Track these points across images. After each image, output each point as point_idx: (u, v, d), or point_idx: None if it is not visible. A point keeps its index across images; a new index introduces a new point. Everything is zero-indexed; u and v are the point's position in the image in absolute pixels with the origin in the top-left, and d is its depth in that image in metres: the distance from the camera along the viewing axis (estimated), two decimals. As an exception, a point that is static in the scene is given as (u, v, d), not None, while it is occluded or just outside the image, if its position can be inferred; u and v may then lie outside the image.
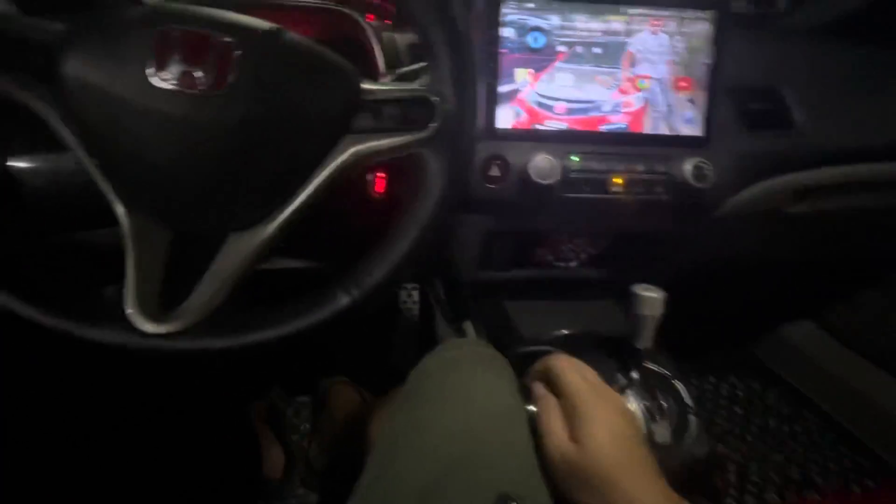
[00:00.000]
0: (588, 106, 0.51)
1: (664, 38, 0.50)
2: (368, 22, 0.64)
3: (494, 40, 0.49)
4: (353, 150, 0.34)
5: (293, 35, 0.34)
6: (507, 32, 0.49)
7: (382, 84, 0.35)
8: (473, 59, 0.33)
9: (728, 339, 1.16)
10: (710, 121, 0.53)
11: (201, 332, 0.31)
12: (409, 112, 0.34)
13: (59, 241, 0.48)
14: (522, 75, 0.50)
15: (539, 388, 0.40)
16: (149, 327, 0.30)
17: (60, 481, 0.62)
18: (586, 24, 0.50)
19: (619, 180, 0.53)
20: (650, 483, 0.31)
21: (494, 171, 0.50)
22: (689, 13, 0.50)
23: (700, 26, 0.51)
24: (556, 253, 0.69)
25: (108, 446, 0.71)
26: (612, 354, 0.57)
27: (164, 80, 0.29)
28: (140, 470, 0.72)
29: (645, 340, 0.51)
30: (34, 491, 0.59)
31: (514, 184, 0.51)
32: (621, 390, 0.52)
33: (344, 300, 0.32)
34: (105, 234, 0.50)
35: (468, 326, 0.72)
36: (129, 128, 0.31)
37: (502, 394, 0.41)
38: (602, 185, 0.52)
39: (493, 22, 0.48)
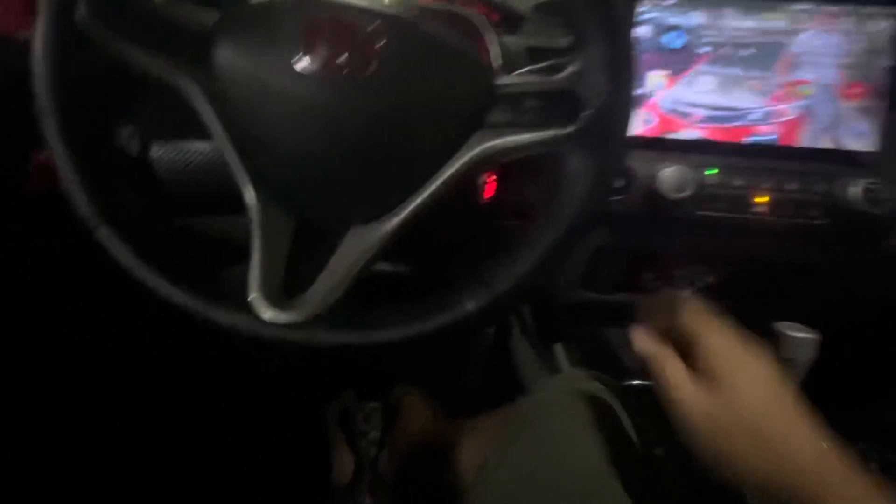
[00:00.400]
0: (732, 114, 0.45)
1: (835, 37, 0.43)
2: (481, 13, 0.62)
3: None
4: (485, 145, 0.31)
5: (434, 24, 0.32)
6: (641, 32, 0.45)
7: (522, 76, 0.33)
8: (634, 46, 0.29)
9: (872, 397, 0.99)
10: (889, 134, 0.44)
11: (321, 325, 0.29)
12: (551, 106, 0.31)
13: (185, 226, 0.51)
14: (656, 79, 0.46)
15: (650, 343, 0.35)
16: (270, 315, 0.29)
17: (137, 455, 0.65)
18: (737, 23, 0.44)
19: (762, 199, 0.46)
20: (808, 431, 0.28)
21: (617, 182, 0.46)
22: (870, 9, 0.43)
23: (882, 24, 0.43)
24: (666, 278, 0.62)
25: (193, 429, 0.73)
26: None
27: (309, 65, 0.29)
28: (212, 457, 0.74)
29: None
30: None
31: (639, 197, 0.46)
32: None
33: (469, 306, 0.29)
34: (228, 222, 0.53)
35: (559, 351, 0.66)
36: (270, 112, 0.31)
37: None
38: (742, 202, 0.46)
39: (629, 21, 0.45)
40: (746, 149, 0.46)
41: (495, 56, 0.53)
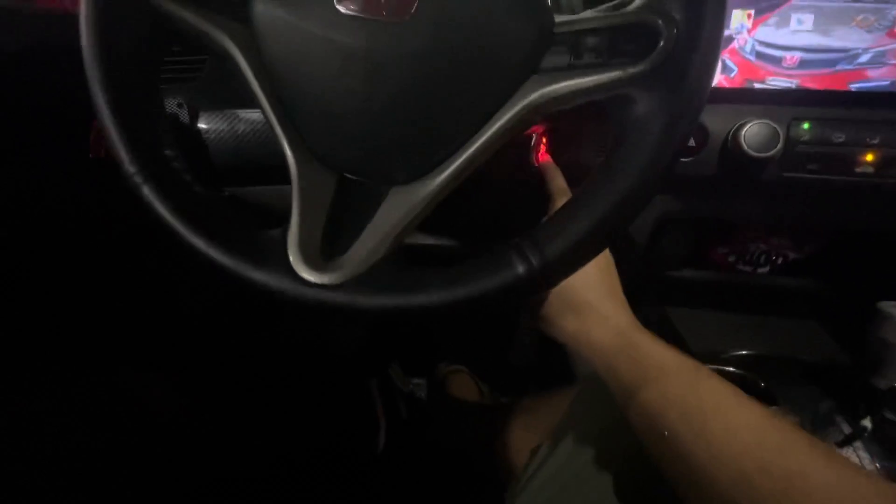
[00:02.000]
0: (836, 56, 0.38)
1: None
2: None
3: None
4: (540, 91, 0.28)
5: None
6: (724, -36, 0.39)
7: (584, 14, 0.29)
8: None
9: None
10: None
11: (360, 287, 0.28)
12: (616, 44, 0.27)
13: (228, 195, 0.51)
14: (739, 18, 0.39)
15: None
16: (309, 276, 0.28)
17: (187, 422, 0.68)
18: (847, -56, 0.37)
19: (869, 157, 0.39)
20: (620, 306, 0.37)
21: (688, 140, 0.41)
22: None
23: None
24: (741, 253, 0.56)
25: (239, 400, 0.76)
26: (827, 389, 0.44)
27: (349, 5, 0.27)
28: (257, 429, 0.77)
29: (891, 377, 0.37)
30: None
31: (715, 156, 0.41)
32: (843, 442, 0.39)
33: (519, 268, 0.26)
34: (274, 191, 0.53)
35: None
36: (308, 60, 0.29)
37: None
38: (843, 162, 0.39)
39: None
40: (852, 97, 0.39)
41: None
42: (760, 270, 0.56)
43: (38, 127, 0.47)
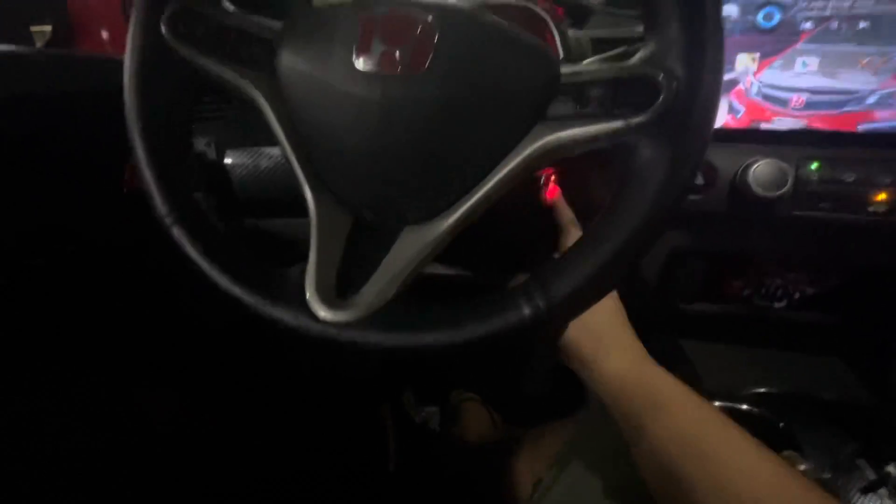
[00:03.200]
0: (843, 98, 0.39)
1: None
2: (546, 9, 0.60)
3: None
4: (547, 138, 0.29)
5: (493, 16, 0.31)
6: (728, 10, 0.40)
7: (587, 65, 0.30)
8: (721, 19, 0.26)
9: None
10: None
11: (373, 325, 0.29)
12: (620, 94, 0.28)
13: (252, 227, 0.53)
14: (745, 62, 0.40)
15: None
16: (325, 314, 0.29)
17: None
18: (849, -9, 0.38)
19: (882, 196, 0.39)
20: (630, 338, 0.38)
21: (697, 178, 0.41)
22: None
23: None
24: (757, 286, 0.55)
25: (254, 424, 0.77)
26: (849, 430, 0.42)
27: (366, 62, 0.29)
28: (270, 450, 0.77)
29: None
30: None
31: (724, 194, 0.41)
32: (867, 489, 0.37)
33: (526, 311, 0.27)
34: (293, 224, 0.56)
35: None
36: (328, 111, 0.31)
37: None
38: (855, 201, 0.39)
39: (713, -1, 0.40)
40: (861, 138, 0.39)
41: (559, 48, 0.50)
42: (777, 305, 0.55)
43: (76, 162, 0.50)
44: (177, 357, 0.68)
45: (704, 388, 0.52)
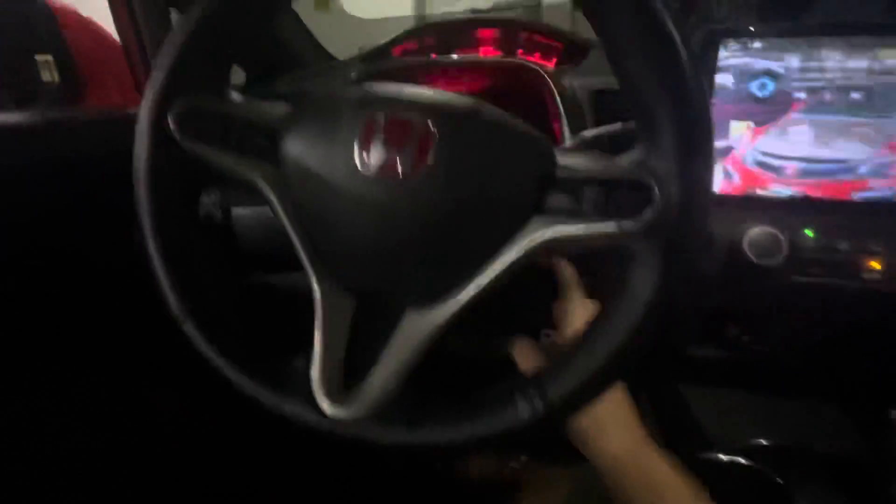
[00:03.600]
0: (836, 167, 0.40)
1: (974, 76, 0.36)
2: (545, 68, 0.61)
3: (707, 88, 0.41)
4: (544, 234, 0.30)
5: (491, 110, 0.32)
6: (723, 79, 0.41)
7: (582, 158, 0.31)
8: (712, 130, 0.26)
9: None
10: None
11: (378, 422, 0.30)
12: (614, 195, 0.29)
13: (257, 282, 0.55)
14: (739, 129, 0.41)
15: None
16: (330, 410, 0.30)
17: None
18: (842, 64, 0.38)
19: (875, 264, 0.39)
20: (632, 418, 0.37)
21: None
22: None
23: None
24: (755, 332, 0.56)
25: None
26: (847, 489, 0.43)
27: (368, 166, 0.30)
28: (271, 456, 0.77)
29: (909, 488, 0.37)
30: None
31: (720, 258, 0.42)
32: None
33: (525, 413, 0.28)
34: (295, 279, 0.57)
35: None
36: (329, 206, 0.32)
37: None
38: (850, 268, 0.40)
39: (709, 67, 0.41)
40: (855, 207, 0.40)
41: (563, 121, 0.51)
42: (776, 350, 0.56)
43: (86, 223, 0.52)
44: (179, 357, 0.69)
45: (703, 436, 0.53)
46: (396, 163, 0.29)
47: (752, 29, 0.39)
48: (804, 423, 0.52)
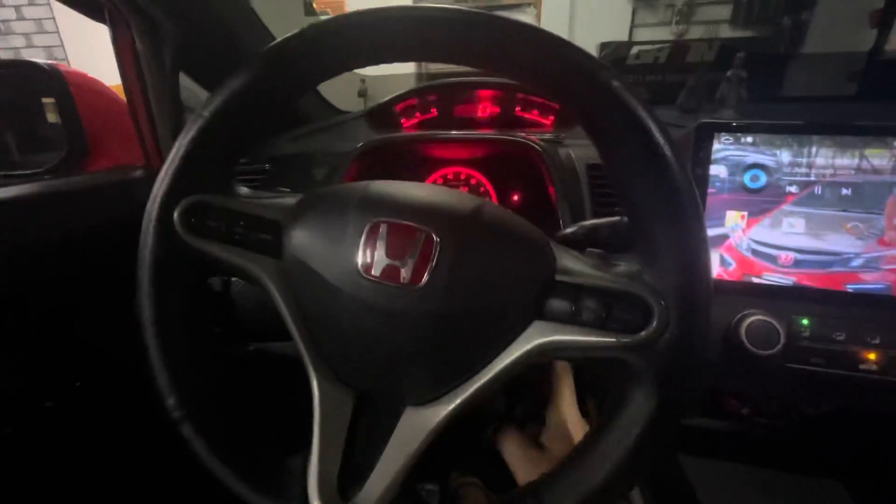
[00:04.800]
0: (829, 259, 0.40)
1: (959, 179, 0.37)
2: (544, 135, 0.62)
3: (702, 180, 0.42)
4: (542, 340, 0.30)
5: (492, 210, 0.32)
6: (717, 170, 0.42)
7: (581, 264, 0.31)
8: (709, 258, 0.27)
9: None
10: None
11: None
12: (613, 307, 0.29)
13: (255, 351, 0.54)
14: (734, 219, 0.42)
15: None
16: None
17: None
18: (831, 161, 0.40)
19: (872, 356, 0.40)
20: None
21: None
22: None
23: None
24: (753, 406, 0.56)
25: None
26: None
27: (370, 270, 0.30)
28: None
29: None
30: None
31: (717, 345, 0.42)
32: None
33: None
34: (290, 346, 0.56)
35: None
36: (332, 307, 0.32)
37: None
38: (846, 358, 0.40)
39: (703, 159, 0.42)
40: (849, 298, 0.40)
41: (562, 208, 0.52)
42: (777, 424, 0.55)
43: (92, 289, 0.51)
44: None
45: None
46: (399, 270, 0.30)
47: (743, 124, 0.41)
48: (805, 496, 0.51)
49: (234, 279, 0.53)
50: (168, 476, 0.61)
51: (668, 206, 0.28)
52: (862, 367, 0.40)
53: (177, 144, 0.34)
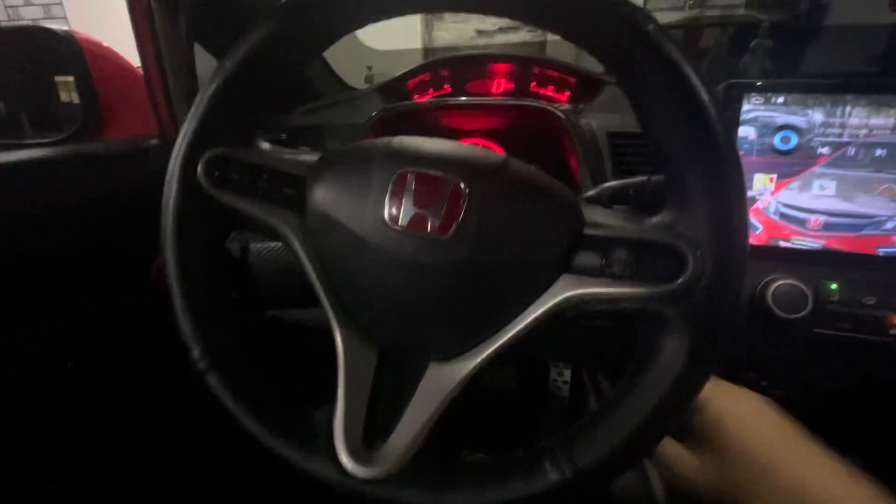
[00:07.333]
0: (860, 221, 0.39)
1: None
2: (561, 107, 0.61)
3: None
4: (571, 293, 0.29)
5: (519, 165, 0.32)
6: (746, 132, 0.41)
7: (610, 217, 0.31)
8: (746, 199, 0.26)
9: None
10: None
11: (402, 483, 0.29)
12: (645, 258, 0.29)
13: (272, 318, 0.54)
14: (762, 182, 0.41)
15: None
16: (354, 468, 0.29)
17: None
18: (865, 120, 0.39)
19: (903, 320, 0.39)
20: (814, 457, 0.28)
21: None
22: None
23: None
24: (773, 378, 0.55)
25: None
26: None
27: (396, 221, 0.30)
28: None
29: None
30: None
31: (743, 310, 0.41)
32: None
33: (552, 476, 0.27)
34: (312, 314, 0.56)
35: (650, 466, 0.61)
36: (356, 258, 0.32)
37: None
38: (877, 324, 0.39)
39: (732, 120, 0.41)
40: (881, 261, 0.39)
41: (583, 169, 0.51)
42: (794, 397, 0.54)
43: (105, 264, 0.52)
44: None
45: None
46: (426, 219, 0.29)
47: (774, 83, 0.39)
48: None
49: (252, 245, 0.53)
50: (190, 436, 0.61)
51: (704, 154, 0.27)
52: (892, 332, 0.39)
53: (199, 96, 0.33)
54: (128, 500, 0.57)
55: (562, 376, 1.04)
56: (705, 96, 0.26)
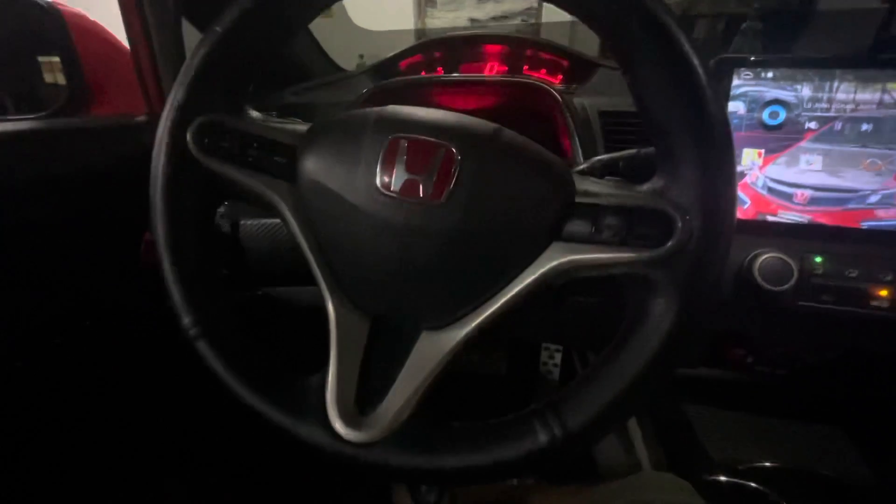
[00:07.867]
0: (846, 196, 0.40)
1: (982, 111, 0.37)
2: (554, 86, 0.61)
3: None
4: (561, 259, 0.30)
5: (510, 135, 0.32)
6: (735, 107, 0.41)
7: (601, 185, 0.31)
8: (734, 163, 0.27)
9: None
10: None
11: (394, 446, 0.29)
12: (635, 224, 0.29)
13: (264, 295, 0.54)
14: (750, 156, 0.42)
15: None
16: (346, 433, 0.30)
17: None
18: (853, 95, 0.39)
19: (885, 292, 0.40)
20: None
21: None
22: None
23: None
24: (758, 354, 0.56)
25: None
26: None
27: (388, 187, 0.30)
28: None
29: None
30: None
31: (730, 282, 0.42)
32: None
33: (542, 437, 0.28)
34: (304, 293, 0.56)
35: (633, 425, 0.62)
36: (347, 226, 0.32)
37: None
38: (857, 295, 0.40)
39: (722, 95, 0.41)
40: (864, 235, 0.40)
41: (575, 144, 0.51)
42: (779, 372, 0.56)
43: (94, 237, 0.51)
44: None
45: (707, 458, 0.53)
46: (418, 185, 0.29)
47: (764, 59, 0.40)
48: (809, 445, 0.52)
49: (242, 221, 0.52)
50: (181, 412, 0.61)
51: (695, 120, 0.27)
52: (873, 303, 0.40)
53: (188, 61, 0.33)
54: (118, 476, 0.57)
55: (552, 359, 1.05)
56: (696, 62, 0.26)
